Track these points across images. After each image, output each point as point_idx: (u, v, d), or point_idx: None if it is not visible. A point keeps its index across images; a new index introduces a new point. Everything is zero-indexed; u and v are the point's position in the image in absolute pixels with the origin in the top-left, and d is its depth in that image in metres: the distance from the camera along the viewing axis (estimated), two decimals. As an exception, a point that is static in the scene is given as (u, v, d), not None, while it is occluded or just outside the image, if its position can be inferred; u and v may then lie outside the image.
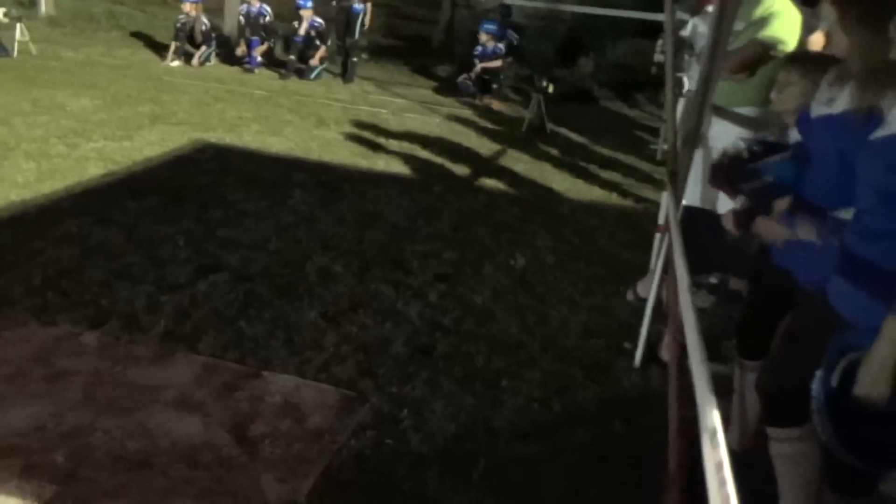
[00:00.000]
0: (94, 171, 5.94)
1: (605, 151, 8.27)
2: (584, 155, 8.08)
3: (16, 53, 9.87)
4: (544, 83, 8.83)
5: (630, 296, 4.56)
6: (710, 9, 7.41)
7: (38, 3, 12.65)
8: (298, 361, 3.60)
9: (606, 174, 7.45)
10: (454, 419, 3.28)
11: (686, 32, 8.19)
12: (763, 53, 3.96)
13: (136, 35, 12.30)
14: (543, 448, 3.19)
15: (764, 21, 3.95)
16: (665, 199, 4.77)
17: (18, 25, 10.00)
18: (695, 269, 2.57)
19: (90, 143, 6.61)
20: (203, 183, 5.94)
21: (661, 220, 4.80)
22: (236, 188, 5.86)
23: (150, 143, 6.78)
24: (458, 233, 5.46)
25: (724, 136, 3.72)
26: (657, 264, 3.91)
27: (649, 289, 4.38)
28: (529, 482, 2.97)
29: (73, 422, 3.03)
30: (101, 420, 3.05)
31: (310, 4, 10.62)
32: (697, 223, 3.85)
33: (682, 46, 8.07)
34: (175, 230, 4.94)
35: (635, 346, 3.93)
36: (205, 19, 10.65)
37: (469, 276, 4.76)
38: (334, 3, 10.67)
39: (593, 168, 7.62)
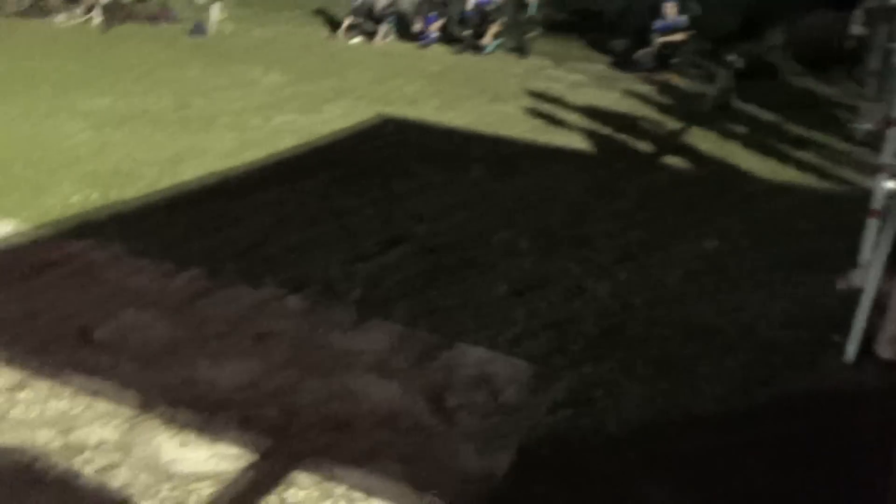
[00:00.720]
0: (287, 142, 6.21)
1: (798, 130, 7.71)
2: (775, 133, 7.57)
3: (213, 32, 10.49)
4: (735, 57, 8.33)
5: (842, 284, 4.23)
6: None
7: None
8: (490, 334, 3.60)
9: (800, 154, 6.95)
10: (651, 403, 3.17)
11: (897, 0, 7.48)
12: None
13: (318, 13, 12.76)
14: (747, 439, 3.03)
15: None
16: (879, 181, 4.40)
17: (216, 5, 10.62)
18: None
19: (282, 116, 6.93)
20: (386, 155, 6.07)
21: (874, 205, 4.44)
22: (418, 161, 5.94)
23: (336, 117, 7.01)
24: (642, 211, 5.27)
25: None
26: (875, 252, 3.60)
27: (865, 278, 4.04)
28: (733, 473, 2.82)
29: (282, 380, 3.17)
30: (306, 380, 3.18)
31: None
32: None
33: (892, 16, 7.39)
34: (363, 201, 5.08)
35: (847, 340, 3.64)
36: None
37: (657, 255, 4.58)
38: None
39: (785, 147, 7.13)
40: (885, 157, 4.29)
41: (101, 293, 3.76)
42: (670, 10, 9.90)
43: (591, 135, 7.03)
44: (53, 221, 4.49)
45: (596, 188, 5.64)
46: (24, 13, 11.13)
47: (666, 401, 3.20)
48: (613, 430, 2.99)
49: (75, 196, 4.85)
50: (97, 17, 10.70)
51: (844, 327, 3.70)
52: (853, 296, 3.74)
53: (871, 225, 4.27)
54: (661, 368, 3.42)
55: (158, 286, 3.86)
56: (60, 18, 10.83)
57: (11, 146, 5.63)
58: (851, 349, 3.59)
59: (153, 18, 11.07)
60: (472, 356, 3.42)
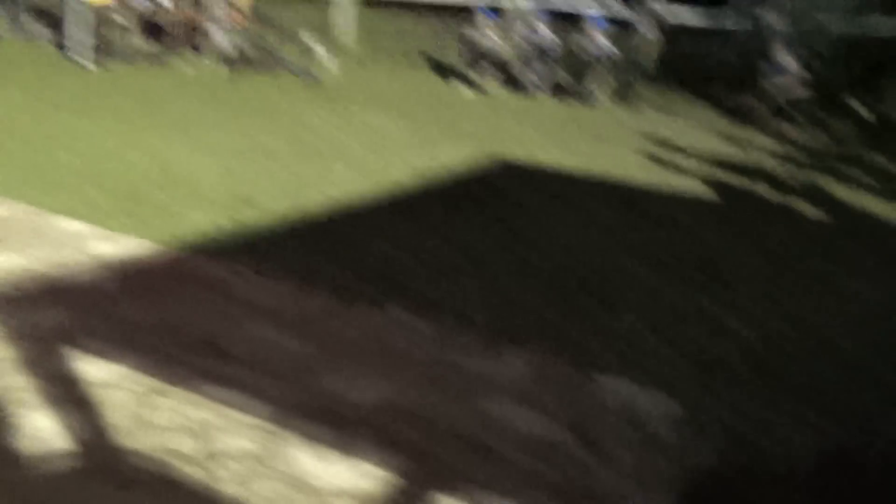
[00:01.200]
0: (402, 177, 6.19)
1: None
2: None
3: (321, 76, 10.76)
4: (858, 105, 7.99)
5: None
6: None
7: (337, 34, 13.76)
8: (632, 369, 3.39)
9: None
10: (816, 447, 2.89)
11: None
12: None
13: (426, 61, 12.98)
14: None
15: None
16: None
17: (328, 54, 10.91)
18: None
19: (395, 153, 6.94)
20: (503, 191, 5.99)
21: None
22: (535, 196, 5.83)
23: (448, 156, 6.99)
24: (779, 252, 5.00)
25: None
26: None
27: None
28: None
29: (417, 401, 3.04)
30: (443, 403, 3.04)
31: (605, 25, 10.56)
32: None
33: None
34: (485, 233, 4.98)
35: None
36: (496, 38, 10.99)
37: (802, 299, 4.30)
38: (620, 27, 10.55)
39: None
40: None
41: (232, 309, 3.74)
42: (785, 59, 9.62)
43: (711, 179, 6.79)
44: (183, 242, 4.53)
45: (725, 229, 5.41)
46: (152, 62, 11.70)
47: (831, 440, 2.92)
48: (780, 470, 2.73)
49: (203, 219, 4.91)
50: (219, 65, 11.13)
51: None
52: None
53: None
54: (820, 408, 3.14)
55: (287, 305, 3.81)
56: (184, 67, 11.32)
57: (141, 173, 5.78)
58: None
59: (270, 66, 11.45)
60: (617, 389, 3.22)
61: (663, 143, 8.19)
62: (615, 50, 10.54)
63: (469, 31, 11.18)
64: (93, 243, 4.45)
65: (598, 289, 4.25)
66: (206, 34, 11.93)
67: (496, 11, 11.92)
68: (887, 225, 5.87)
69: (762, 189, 6.62)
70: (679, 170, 7.05)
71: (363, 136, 7.57)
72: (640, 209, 5.78)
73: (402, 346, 3.48)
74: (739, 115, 10.03)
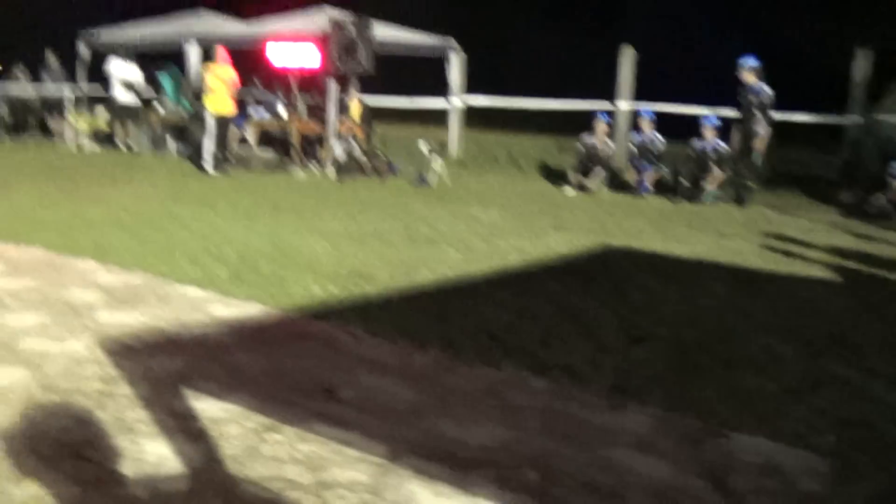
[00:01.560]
0: (512, 259, 6.17)
1: None
2: None
3: (433, 182, 11.06)
4: None
5: None
6: None
7: (447, 145, 14.26)
8: (766, 427, 3.13)
9: None
10: None
11: None
12: None
13: (531, 169, 13.22)
14: None
15: None
16: None
17: (437, 157, 11.27)
18: None
19: (504, 240, 6.96)
20: (617, 272, 5.85)
21: None
22: (650, 277, 5.66)
23: (559, 243, 6.95)
24: (918, 332, 4.62)
25: None
26: None
27: None
28: None
29: (537, 446, 2.88)
30: (563, 448, 2.87)
31: (716, 122, 10.53)
32: None
33: None
34: (598, 304, 4.84)
35: None
36: (610, 143, 11.14)
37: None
38: (733, 125, 10.46)
39: None
40: None
41: (344, 361, 3.71)
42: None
43: (835, 269, 6.44)
44: (296, 306, 4.60)
45: (857, 309, 5.06)
46: (268, 169, 12.36)
47: None
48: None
49: (316, 288, 4.99)
50: (331, 171, 11.64)
51: None
52: None
53: None
54: None
55: (399, 360, 3.76)
56: (298, 172, 11.90)
57: (258, 251, 5.98)
58: None
59: (381, 172, 11.88)
60: (751, 444, 2.97)
61: (780, 235, 7.90)
62: (727, 147, 10.43)
63: (584, 136, 11.34)
64: (212, 306, 4.57)
65: (720, 352, 4.01)
66: (319, 142, 12.59)
67: (609, 114, 12.12)
68: None
69: (889, 274, 6.23)
70: (797, 257, 6.74)
71: (472, 226, 7.65)
72: (757, 287, 5.52)
73: (518, 398, 3.34)
74: (859, 212, 9.64)
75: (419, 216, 8.13)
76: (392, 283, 5.21)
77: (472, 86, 15.35)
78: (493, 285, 5.27)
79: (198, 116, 12.63)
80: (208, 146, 11.58)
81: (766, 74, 10.43)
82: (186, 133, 13.91)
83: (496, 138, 16.61)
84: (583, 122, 12.01)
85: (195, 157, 12.29)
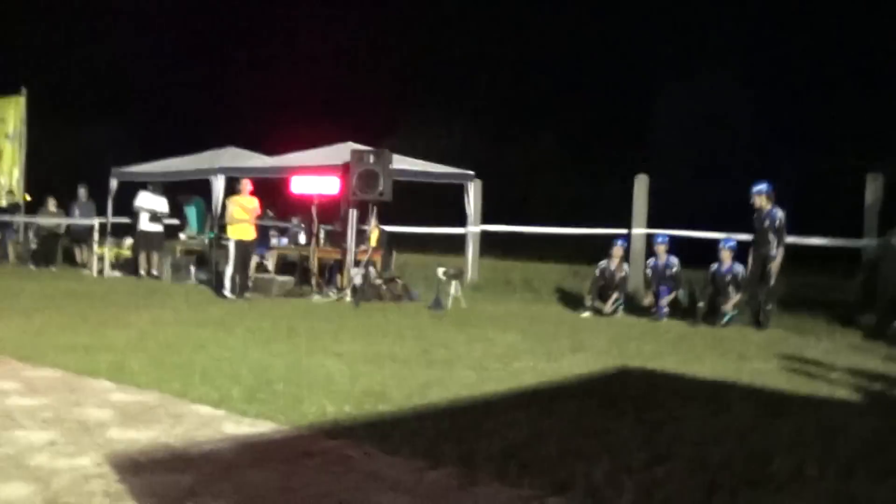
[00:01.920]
0: (528, 380, 6.11)
1: None
2: None
3: (449, 306, 11.11)
4: None
5: None
6: None
7: (464, 271, 14.40)
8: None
9: None
10: None
11: None
12: None
13: (547, 294, 13.27)
14: None
15: None
16: None
17: (454, 283, 11.37)
18: None
19: (521, 362, 6.91)
20: (636, 393, 5.76)
21: None
22: (671, 398, 5.57)
23: (576, 365, 6.89)
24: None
25: None
26: None
27: None
28: None
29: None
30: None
31: (734, 245, 10.60)
32: None
33: None
34: (619, 424, 4.74)
35: None
36: (626, 267, 11.20)
37: None
38: (750, 249, 10.51)
39: None
40: None
41: (356, 479, 3.62)
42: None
43: (860, 390, 6.31)
44: (310, 425, 4.54)
45: (883, 430, 4.91)
46: (287, 294, 12.50)
47: None
48: None
49: (330, 407, 4.93)
50: (348, 296, 11.75)
51: None
52: None
53: None
54: None
55: (412, 478, 3.66)
56: (317, 298, 12.01)
57: (273, 372, 5.96)
58: None
59: (397, 297, 11.98)
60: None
61: (800, 357, 7.79)
62: (745, 271, 10.45)
63: (602, 262, 11.43)
64: (224, 424, 4.53)
65: (744, 472, 3.87)
66: (338, 268, 12.77)
67: (626, 238, 12.25)
68: None
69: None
70: (819, 379, 6.63)
71: (489, 349, 7.62)
72: (780, 408, 5.39)
73: (534, 516, 3.23)
74: (879, 335, 9.52)
75: (435, 339, 8.12)
76: (406, 403, 5.15)
77: (491, 214, 15.68)
78: (509, 405, 5.19)
79: (219, 244, 12.92)
80: (229, 272, 11.77)
81: (781, 199, 10.60)
82: (207, 261, 14.18)
83: (513, 264, 16.80)
84: (599, 248, 12.16)
85: (216, 283, 12.47)
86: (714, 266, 10.69)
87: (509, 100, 43.83)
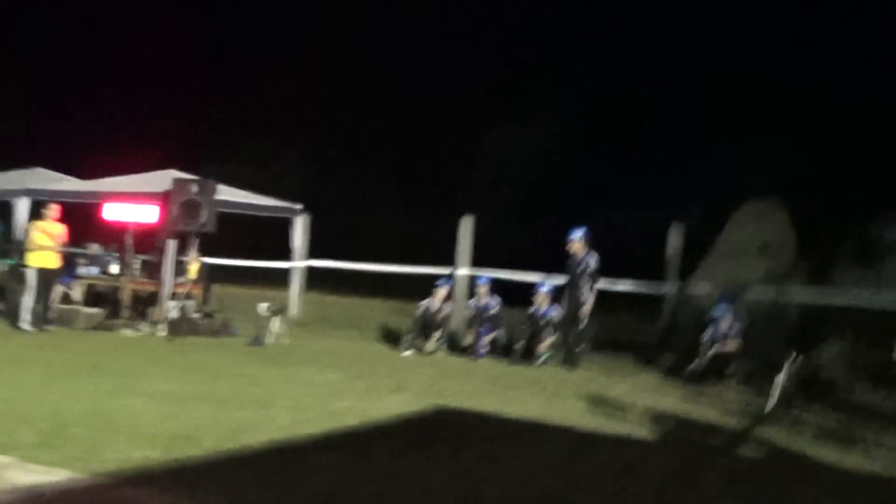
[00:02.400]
0: (347, 421, 6.08)
1: (869, 432, 7.38)
2: (844, 433, 7.24)
3: (269, 343, 10.85)
4: (791, 357, 8.32)
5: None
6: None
7: (287, 306, 14.15)
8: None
9: (880, 451, 6.59)
10: None
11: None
12: None
13: (371, 331, 13.28)
14: None
15: None
16: None
17: (276, 319, 11.13)
18: None
19: (340, 402, 6.86)
20: (451, 433, 5.90)
21: None
22: (483, 439, 5.75)
23: (395, 404, 6.93)
24: (728, 489, 4.89)
25: None
26: None
27: None
28: None
29: None
30: None
31: (546, 289, 11.07)
32: None
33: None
34: (432, 465, 4.84)
35: None
36: (448, 307, 11.39)
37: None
38: (563, 292, 11.07)
39: (860, 443, 6.78)
40: None
41: (158, 531, 3.45)
42: (724, 322, 10.10)
43: (656, 428, 6.79)
44: (110, 472, 4.27)
45: (675, 467, 5.32)
46: (95, 328, 11.72)
47: None
48: None
49: (134, 453, 4.67)
50: (162, 330, 11.19)
51: None
52: None
53: None
54: None
55: (219, 528, 3.53)
56: (127, 332, 11.35)
57: (72, 414, 5.56)
58: None
59: (215, 332, 11.56)
60: None
61: (605, 397, 8.27)
62: (559, 314, 10.95)
63: (425, 301, 11.58)
64: (12, 472, 4.16)
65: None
66: (152, 301, 12.15)
67: (450, 278, 12.51)
68: (827, 467, 5.85)
69: (703, 436, 6.62)
70: (620, 419, 7.07)
71: (308, 388, 7.51)
72: (584, 446, 5.71)
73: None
74: (681, 377, 10.30)
75: (253, 378, 7.91)
76: (218, 447, 4.97)
77: (318, 248, 15.56)
78: (324, 448, 5.15)
79: (18, 272, 11.92)
80: (27, 302, 10.88)
81: (594, 245, 11.25)
82: (5, 290, 13.03)
83: (338, 301, 16.74)
84: (425, 287, 12.37)
85: (12, 314, 11.48)
86: (532, 308, 11.16)
87: (341, 134, 43.98)
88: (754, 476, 5.33)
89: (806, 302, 11.92)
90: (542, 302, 11.01)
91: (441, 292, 11.60)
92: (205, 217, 11.27)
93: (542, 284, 11.25)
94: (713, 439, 6.48)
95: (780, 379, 8.34)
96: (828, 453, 6.28)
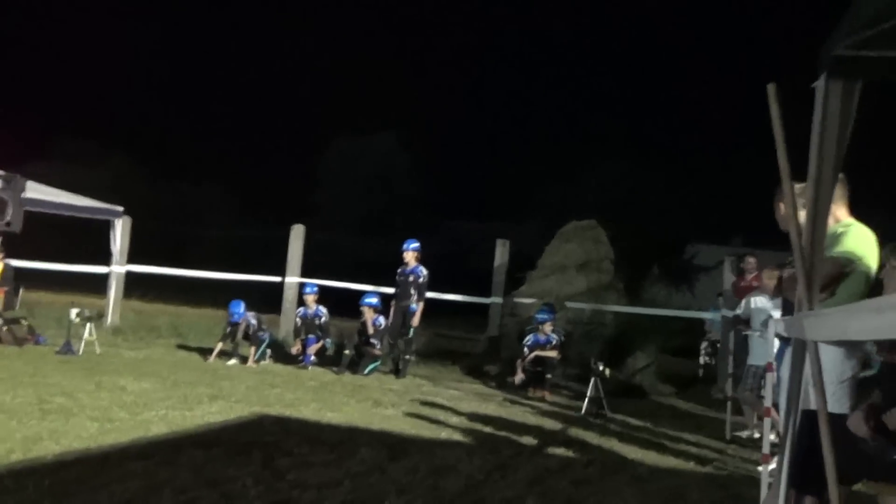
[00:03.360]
0: (156, 430, 5.82)
1: (671, 431, 7.97)
2: (649, 433, 7.78)
3: (81, 351, 10.19)
4: (600, 366, 8.81)
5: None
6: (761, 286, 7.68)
7: (105, 314, 13.34)
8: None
9: (678, 446, 7.12)
10: None
11: (740, 310, 8.36)
12: (838, 271, 3.89)
13: (196, 340, 12.76)
14: None
15: (835, 239, 3.93)
16: (766, 427, 4.59)
17: (88, 325, 10.45)
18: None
19: (152, 412, 6.55)
20: (267, 440, 5.76)
21: (764, 450, 4.55)
22: (301, 444, 5.66)
23: (211, 413, 6.71)
24: (536, 486, 5.11)
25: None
26: (778, 488, 3.60)
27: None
28: None
29: None
30: None
31: (374, 302, 11.02)
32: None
33: (739, 323, 8.18)
34: (242, 472, 4.70)
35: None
36: (252, 319, 11.02)
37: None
38: (393, 302, 11.13)
39: (664, 441, 7.31)
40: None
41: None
42: (546, 328, 10.49)
43: (475, 431, 6.98)
44: None
45: (488, 467, 5.48)
46: None
47: None
48: None
49: None
50: (-43, 339, 10.24)
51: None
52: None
53: (765, 469, 4.38)
54: None
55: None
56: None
57: None
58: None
59: (21, 340, 10.71)
60: None
61: (430, 403, 8.42)
62: (385, 323, 11.01)
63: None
64: None
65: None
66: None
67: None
68: (631, 461, 6.24)
69: (519, 438, 6.86)
70: (442, 424, 7.21)
71: (118, 397, 7.11)
72: (401, 450, 5.76)
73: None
74: (504, 385, 10.66)
75: (59, 387, 7.38)
76: (5, 460, 4.60)
77: (143, 254, 14.80)
78: (128, 457, 4.88)
79: None
80: None
81: (424, 259, 11.41)
82: None
83: (162, 308, 15.96)
84: (255, 297, 12.08)
85: None
86: (361, 319, 11.12)
87: (174, 140, 42.33)
88: (563, 472, 5.57)
89: (621, 314, 12.70)
90: (368, 315, 10.93)
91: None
92: (10, 216, 10.42)
93: (365, 297, 11.15)
94: (528, 441, 6.73)
95: (591, 385, 8.80)
96: (633, 450, 6.70)
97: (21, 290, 12.40)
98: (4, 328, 10.74)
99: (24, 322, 11.58)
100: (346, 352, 10.81)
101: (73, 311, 10.50)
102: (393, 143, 37.85)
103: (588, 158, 32.72)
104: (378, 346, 10.87)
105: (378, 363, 10.94)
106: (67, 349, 10.12)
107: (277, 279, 13.61)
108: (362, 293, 11.68)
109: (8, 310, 11.58)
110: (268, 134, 43.27)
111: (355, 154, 37.10)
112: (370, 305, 10.95)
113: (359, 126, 38.08)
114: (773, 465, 4.43)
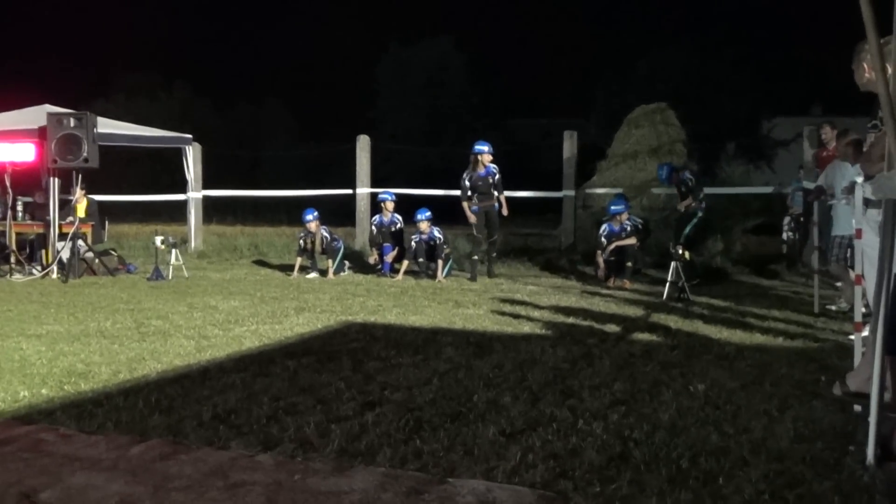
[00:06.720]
0: (249, 344, 6.04)
1: (756, 310, 7.85)
2: (734, 313, 7.68)
3: (170, 276, 10.59)
4: (679, 250, 8.67)
5: (837, 390, 4.08)
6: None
7: (188, 239, 13.79)
8: (484, 469, 3.29)
9: (765, 324, 7.01)
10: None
11: (822, 181, 8.03)
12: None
13: (276, 257, 13.12)
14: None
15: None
16: (857, 295, 4.46)
17: (174, 251, 10.82)
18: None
19: (243, 327, 6.80)
20: (354, 346, 5.92)
21: (856, 318, 4.44)
22: (387, 348, 5.80)
23: (299, 325, 6.92)
24: (623, 371, 5.13)
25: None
26: (871, 355, 3.50)
27: (858, 382, 3.94)
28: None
29: (258, 519, 2.78)
30: (284, 518, 2.79)
31: (429, 215, 10.93)
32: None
33: (822, 194, 7.87)
34: (334, 378, 4.86)
35: (862, 446, 3.40)
36: (325, 232, 11.17)
37: (647, 400, 4.39)
38: (465, 205, 11.04)
39: (749, 320, 7.21)
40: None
41: (49, 463, 3.36)
42: (622, 218, 10.34)
43: (557, 324, 7.01)
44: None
45: (573, 357, 5.52)
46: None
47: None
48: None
49: (24, 392, 4.52)
50: (55, 273, 10.75)
51: (853, 437, 3.53)
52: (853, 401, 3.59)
53: (858, 337, 4.27)
54: (678, 483, 3.12)
55: (113, 454, 3.47)
56: (17, 277, 10.85)
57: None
58: (870, 452, 3.34)
59: (113, 271, 11.18)
60: (468, 487, 3.08)
61: (510, 300, 8.48)
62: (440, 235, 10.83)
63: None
64: None
65: (447, 408, 4.17)
66: (41, 243, 11.62)
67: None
68: (717, 341, 6.19)
69: (603, 327, 6.86)
70: (524, 318, 7.26)
71: (209, 316, 7.39)
72: (485, 347, 5.84)
73: (242, 476, 3.21)
74: (582, 277, 10.64)
75: (154, 311, 7.72)
76: (113, 379, 4.87)
77: (215, 179, 15.13)
78: (226, 370, 5.10)
79: None
80: None
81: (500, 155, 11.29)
82: None
83: (240, 230, 16.37)
84: (328, 211, 12.24)
85: None
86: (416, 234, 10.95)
87: (231, 64, 42.45)
88: (649, 356, 5.58)
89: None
90: (424, 229, 10.81)
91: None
92: (86, 152, 10.72)
93: (420, 211, 10.97)
94: (611, 329, 6.74)
95: (671, 270, 8.69)
96: (717, 331, 6.64)
97: (107, 223, 12.91)
98: (96, 260, 11.22)
99: (113, 253, 12.09)
100: (421, 259, 10.84)
101: (158, 239, 10.87)
102: (447, 47, 37.00)
103: (646, 49, 31.48)
104: (444, 251, 10.78)
105: (451, 264, 10.99)
106: (157, 275, 10.53)
107: (349, 191, 13.74)
108: (430, 200, 11.68)
109: (97, 243, 12.08)
110: (321, 50, 42.88)
111: (411, 60, 36.46)
112: (428, 219, 10.82)
113: (412, 34, 37.32)
114: (865, 333, 4.33)
